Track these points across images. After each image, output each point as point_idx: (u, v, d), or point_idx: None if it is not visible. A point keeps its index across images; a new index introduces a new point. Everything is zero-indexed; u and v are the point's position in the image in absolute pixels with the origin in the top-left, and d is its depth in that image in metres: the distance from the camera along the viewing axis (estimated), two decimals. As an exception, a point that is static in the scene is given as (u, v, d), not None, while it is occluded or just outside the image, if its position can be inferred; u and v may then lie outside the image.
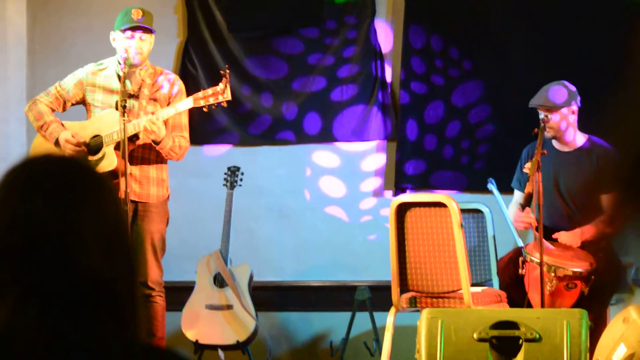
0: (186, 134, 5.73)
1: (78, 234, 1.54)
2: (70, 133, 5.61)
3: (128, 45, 5.61)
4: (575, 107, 5.83)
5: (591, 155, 5.84)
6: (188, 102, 5.53)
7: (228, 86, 5.50)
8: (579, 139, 5.90)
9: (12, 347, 1.49)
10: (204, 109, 5.54)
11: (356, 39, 7.11)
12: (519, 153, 6.04)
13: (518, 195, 6.02)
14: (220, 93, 5.49)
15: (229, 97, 5.51)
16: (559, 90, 5.79)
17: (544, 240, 5.38)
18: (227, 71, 5.55)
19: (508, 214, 5.97)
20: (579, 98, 5.85)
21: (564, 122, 5.81)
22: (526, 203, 5.87)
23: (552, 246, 5.60)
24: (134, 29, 5.60)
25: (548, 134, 5.77)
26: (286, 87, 7.18)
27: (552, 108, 5.76)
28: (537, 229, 5.38)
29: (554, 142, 5.86)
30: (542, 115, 5.73)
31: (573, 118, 5.84)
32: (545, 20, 6.81)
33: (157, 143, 5.51)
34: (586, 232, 5.67)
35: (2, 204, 1.56)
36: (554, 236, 5.66)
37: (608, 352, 4.61)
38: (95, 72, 5.76)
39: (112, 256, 1.56)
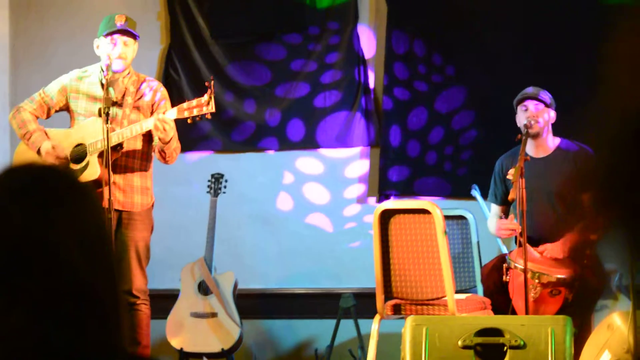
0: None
1: (60, 242, 1.54)
2: (52, 144, 5.56)
3: (111, 51, 5.57)
4: (554, 114, 5.84)
5: (567, 156, 5.83)
6: (172, 113, 5.47)
7: (212, 98, 5.44)
8: (553, 142, 5.89)
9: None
10: (188, 121, 5.48)
11: (339, 44, 7.11)
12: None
13: (495, 209, 6.00)
14: (204, 105, 5.42)
15: (213, 110, 5.42)
16: (545, 93, 5.81)
17: (528, 247, 5.38)
18: (212, 82, 5.49)
19: (488, 226, 5.97)
20: (554, 107, 5.86)
21: (546, 128, 5.81)
22: (505, 215, 5.86)
23: (536, 253, 5.61)
24: (117, 32, 5.56)
25: (532, 131, 5.72)
26: (269, 94, 7.17)
27: (543, 103, 5.76)
28: (521, 234, 5.38)
29: (529, 150, 5.81)
30: (525, 121, 5.72)
31: (550, 123, 5.85)
32: (528, 26, 6.82)
33: (165, 143, 5.45)
34: (568, 241, 5.65)
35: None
36: (538, 251, 5.64)
37: (592, 359, 4.62)
38: (79, 79, 5.72)
39: (95, 263, 1.56)
